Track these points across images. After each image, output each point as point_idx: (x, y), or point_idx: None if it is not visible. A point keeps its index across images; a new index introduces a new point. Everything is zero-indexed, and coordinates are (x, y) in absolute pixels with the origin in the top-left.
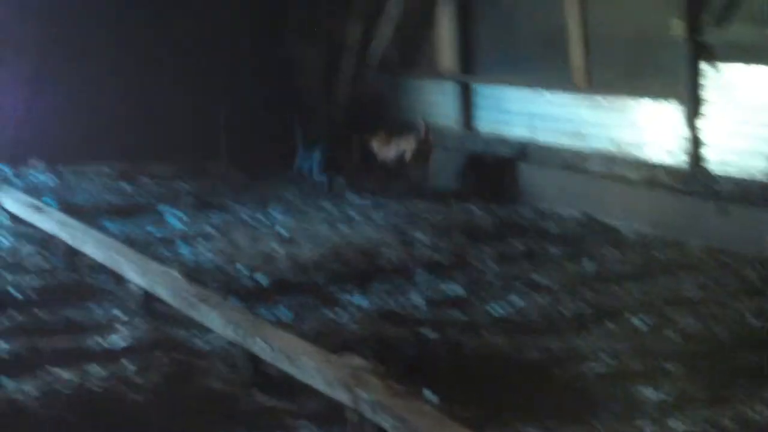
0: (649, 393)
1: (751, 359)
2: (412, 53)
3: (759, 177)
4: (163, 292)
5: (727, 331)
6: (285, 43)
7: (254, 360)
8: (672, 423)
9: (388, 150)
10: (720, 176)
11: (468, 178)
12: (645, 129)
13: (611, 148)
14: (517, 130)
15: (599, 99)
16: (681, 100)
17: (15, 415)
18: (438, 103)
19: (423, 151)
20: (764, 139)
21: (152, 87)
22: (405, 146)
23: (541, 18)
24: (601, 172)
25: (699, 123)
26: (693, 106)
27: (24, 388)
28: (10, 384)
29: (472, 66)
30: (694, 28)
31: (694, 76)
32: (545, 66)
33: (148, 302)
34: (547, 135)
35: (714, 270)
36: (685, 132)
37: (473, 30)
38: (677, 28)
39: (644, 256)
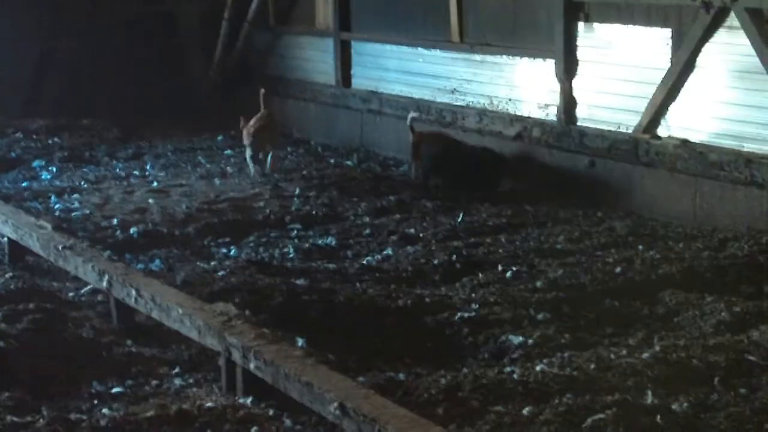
0: (514, 338)
1: (616, 307)
2: (290, 9)
3: (627, 132)
4: (33, 243)
5: (594, 280)
6: None
7: (125, 309)
8: (536, 365)
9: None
10: (590, 131)
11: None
12: (520, 86)
13: (486, 105)
14: (394, 86)
15: (475, 56)
16: (555, 57)
17: None
18: (315, 59)
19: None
20: (634, 96)
21: (25, 40)
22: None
23: None
24: (476, 127)
25: (572, 80)
26: (567, 63)
27: None
28: None
29: (350, 23)
30: None
31: (569, 34)
32: (423, 23)
33: (18, 253)
34: (424, 91)
35: (583, 223)
36: (559, 89)
37: None
38: None
39: (517, 210)
